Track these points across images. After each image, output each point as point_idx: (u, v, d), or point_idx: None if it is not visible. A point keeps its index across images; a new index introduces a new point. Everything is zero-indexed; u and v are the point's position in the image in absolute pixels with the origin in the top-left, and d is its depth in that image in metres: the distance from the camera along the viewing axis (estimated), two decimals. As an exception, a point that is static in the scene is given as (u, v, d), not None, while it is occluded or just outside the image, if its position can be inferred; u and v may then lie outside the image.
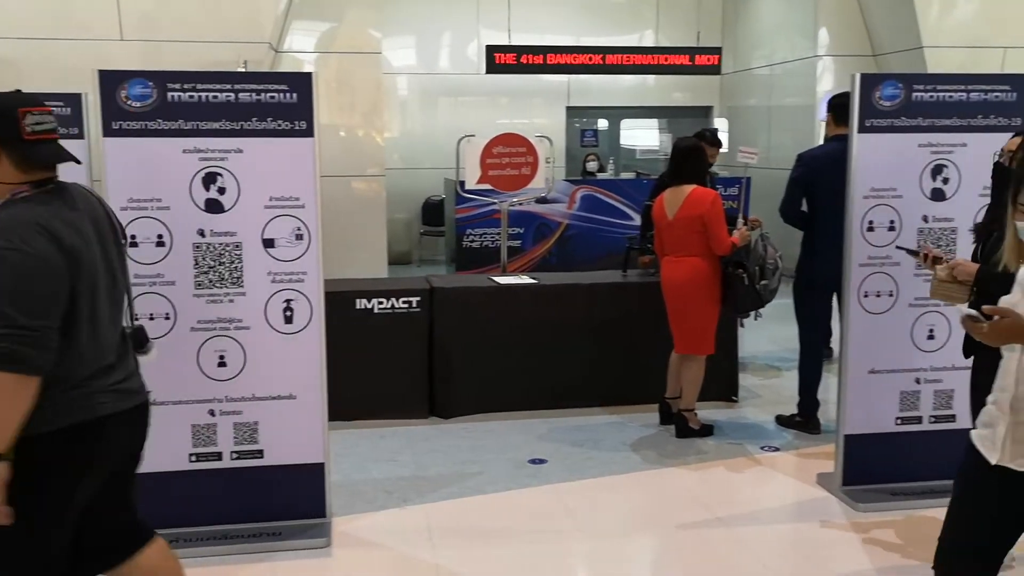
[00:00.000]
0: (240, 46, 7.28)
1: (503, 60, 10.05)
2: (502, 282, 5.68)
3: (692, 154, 4.95)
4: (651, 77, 11.96)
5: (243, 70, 6.85)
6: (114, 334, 2.53)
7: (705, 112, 12.49)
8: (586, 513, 4.16)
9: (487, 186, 6.20)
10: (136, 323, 2.74)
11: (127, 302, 2.66)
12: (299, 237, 3.84)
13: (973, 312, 2.25)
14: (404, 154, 11.21)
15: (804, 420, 5.18)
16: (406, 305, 5.30)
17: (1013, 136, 3.57)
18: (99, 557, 2.61)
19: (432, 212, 11.01)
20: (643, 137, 12.89)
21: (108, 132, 3.71)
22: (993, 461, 2.33)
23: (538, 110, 12.00)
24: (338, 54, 8.30)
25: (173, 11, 7.29)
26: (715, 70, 10.70)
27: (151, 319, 3.72)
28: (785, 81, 10.62)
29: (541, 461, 4.75)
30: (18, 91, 2.43)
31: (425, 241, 11.26)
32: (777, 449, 4.91)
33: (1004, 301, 2.30)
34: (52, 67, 6.97)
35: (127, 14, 7.14)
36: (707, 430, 5.09)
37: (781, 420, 5.27)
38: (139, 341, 2.71)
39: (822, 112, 5.63)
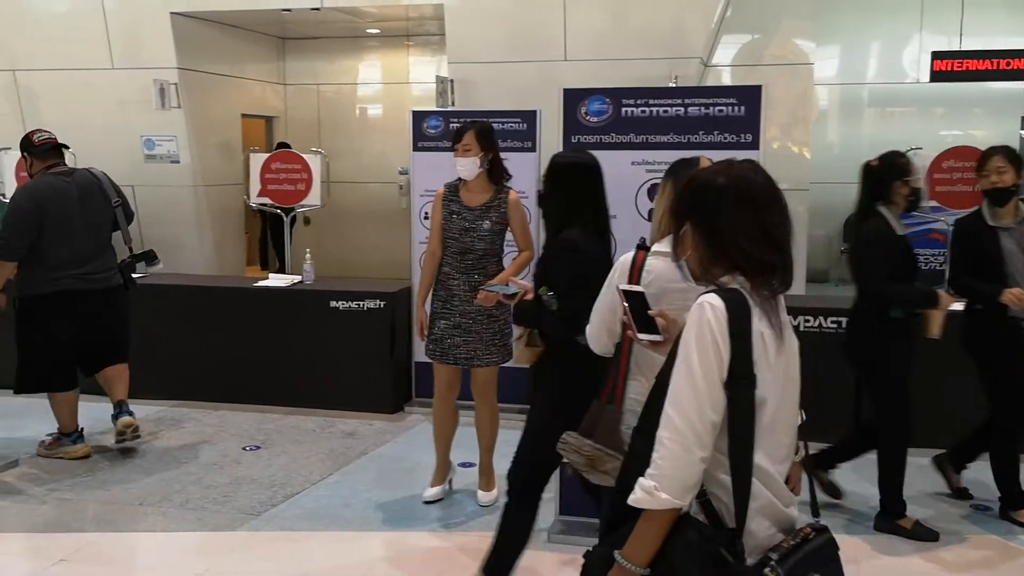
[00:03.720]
0: (672, 62, 7.48)
1: (949, 67, 9.22)
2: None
3: None
4: None
5: (674, 85, 7.04)
6: (92, 243, 5.01)
7: None
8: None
9: (932, 203, 5.74)
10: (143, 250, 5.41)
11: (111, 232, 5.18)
12: (737, 249, 3.86)
13: None
14: (823, 167, 10.76)
15: None
16: (835, 325, 5.08)
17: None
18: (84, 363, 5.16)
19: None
20: (1119, 151, 11.07)
21: (568, 145, 4.03)
22: None
23: (979, 120, 10.84)
24: (768, 66, 8.19)
25: (612, 31, 7.70)
26: None
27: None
28: None
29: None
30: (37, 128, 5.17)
31: (845, 259, 10.70)
32: None
33: None
34: (503, 87, 7.74)
35: (571, 36, 7.68)
36: None
37: None
38: (148, 258, 5.39)
39: None
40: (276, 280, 6.38)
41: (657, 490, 1.78)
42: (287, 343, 6.09)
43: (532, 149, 5.71)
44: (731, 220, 1.88)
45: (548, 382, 3.28)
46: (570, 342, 3.05)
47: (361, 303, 5.89)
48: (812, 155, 8.26)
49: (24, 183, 5.19)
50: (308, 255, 6.31)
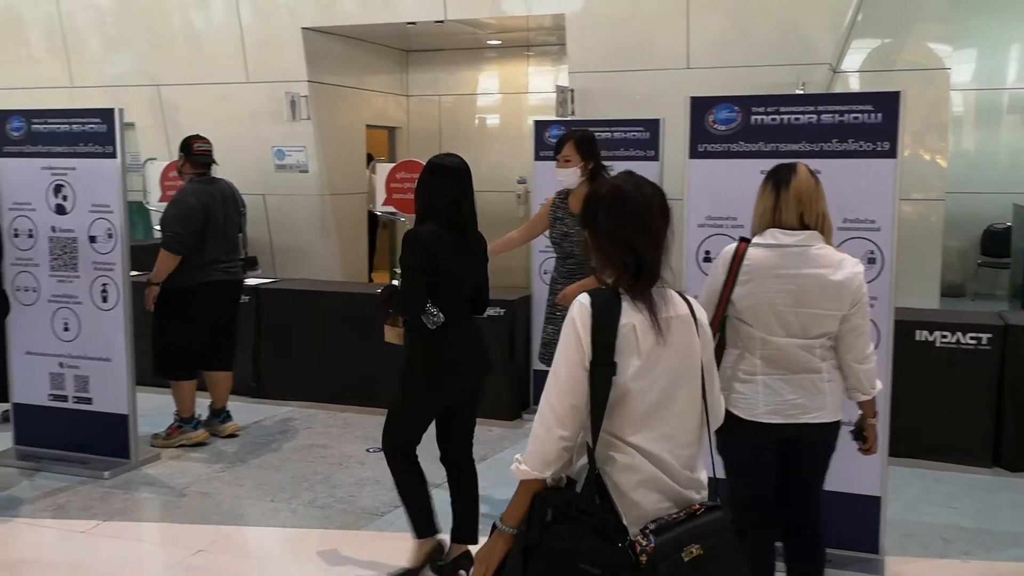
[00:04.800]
0: (799, 68, 7.30)
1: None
2: (1095, 325, 4.91)
3: None
4: None
5: (801, 92, 6.86)
6: (229, 244, 5.52)
7: None
8: None
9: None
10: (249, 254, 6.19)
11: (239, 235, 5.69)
12: (871, 260, 3.74)
13: None
14: (959, 177, 10.28)
15: None
16: (974, 342, 4.84)
17: None
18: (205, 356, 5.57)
19: (994, 241, 9.92)
20: None
21: (694, 154, 3.99)
22: None
23: None
24: (901, 72, 7.90)
25: (735, 38, 7.57)
26: None
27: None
28: None
29: None
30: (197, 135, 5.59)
31: (982, 273, 10.19)
32: None
33: None
34: (624, 96, 7.72)
35: (694, 44, 7.59)
36: None
37: None
38: (252, 263, 6.10)
39: None
40: (399, 287, 6.53)
41: (520, 463, 2.14)
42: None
43: (655, 158, 5.67)
44: (603, 226, 2.19)
45: (403, 365, 3.74)
46: (418, 323, 3.57)
47: (481, 310, 5.96)
48: (948, 164, 7.92)
49: (182, 187, 5.57)
50: (430, 262, 6.43)
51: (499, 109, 11.25)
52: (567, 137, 4.41)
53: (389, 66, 10.66)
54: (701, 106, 3.96)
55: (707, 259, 3.99)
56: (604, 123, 5.85)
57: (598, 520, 2.06)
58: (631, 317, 2.11)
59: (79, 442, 5.20)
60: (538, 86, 10.66)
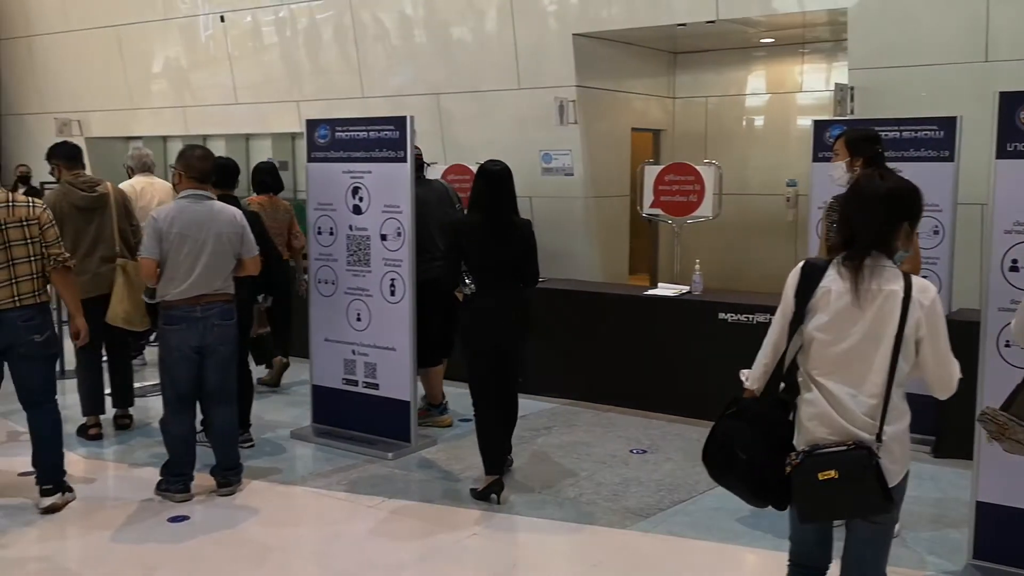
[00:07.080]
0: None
1: None
2: None
3: None
4: None
5: None
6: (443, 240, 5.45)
7: None
8: None
9: None
10: None
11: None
12: None
13: None
14: None
15: None
16: None
17: None
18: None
19: None
20: None
21: (1001, 154, 3.68)
22: None
23: None
24: None
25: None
26: None
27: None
28: None
29: None
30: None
31: None
32: None
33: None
34: (908, 92, 7.22)
35: (994, 35, 6.96)
36: None
37: None
38: None
39: None
40: (665, 289, 6.52)
41: (744, 377, 2.90)
42: (673, 352, 6.19)
43: (949, 159, 5.26)
44: (842, 206, 2.79)
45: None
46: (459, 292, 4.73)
47: (750, 316, 5.83)
48: None
49: None
50: (697, 266, 6.37)
51: (767, 110, 10.90)
52: (842, 134, 4.32)
53: (655, 69, 10.66)
54: (1011, 102, 3.64)
55: (1013, 268, 3.66)
56: (891, 122, 5.50)
57: (768, 426, 2.74)
58: (830, 282, 2.65)
59: (366, 424, 5.66)
60: (811, 85, 10.23)
